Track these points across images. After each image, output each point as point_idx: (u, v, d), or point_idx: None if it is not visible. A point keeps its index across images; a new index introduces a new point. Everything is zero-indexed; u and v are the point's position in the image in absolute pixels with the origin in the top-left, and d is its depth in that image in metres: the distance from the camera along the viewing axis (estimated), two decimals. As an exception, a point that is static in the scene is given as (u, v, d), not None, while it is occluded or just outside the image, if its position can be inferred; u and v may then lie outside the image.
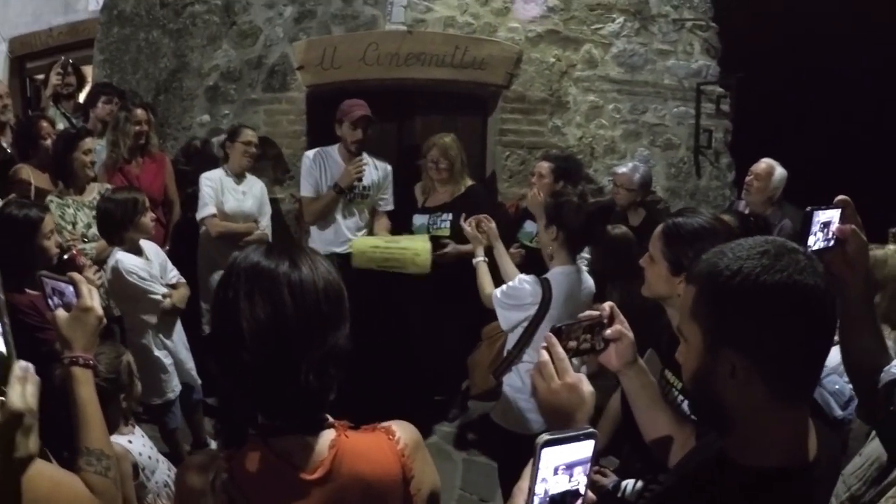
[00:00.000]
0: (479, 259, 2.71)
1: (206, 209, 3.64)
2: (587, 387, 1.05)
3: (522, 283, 2.44)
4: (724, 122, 4.53)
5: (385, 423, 1.08)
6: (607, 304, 1.26)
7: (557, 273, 2.45)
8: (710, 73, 4.48)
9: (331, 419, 1.04)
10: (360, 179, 3.52)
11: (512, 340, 2.54)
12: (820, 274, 0.90)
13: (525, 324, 2.44)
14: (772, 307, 0.88)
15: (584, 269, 2.59)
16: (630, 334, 1.26)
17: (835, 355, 1.24)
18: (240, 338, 0.95)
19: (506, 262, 2.73)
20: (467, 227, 2.79)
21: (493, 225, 2.75)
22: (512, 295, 2.47)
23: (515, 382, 2.54)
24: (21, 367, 0.88)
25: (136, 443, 2.16)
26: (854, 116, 5.62)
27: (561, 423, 1.02)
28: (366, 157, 3.54)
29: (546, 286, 2.40)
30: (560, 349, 1.08)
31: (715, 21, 4.47)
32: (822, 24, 5.47)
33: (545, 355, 1.07)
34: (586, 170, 4.26)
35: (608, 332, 1.24)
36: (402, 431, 1.07)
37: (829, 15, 5.41)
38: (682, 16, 4.41)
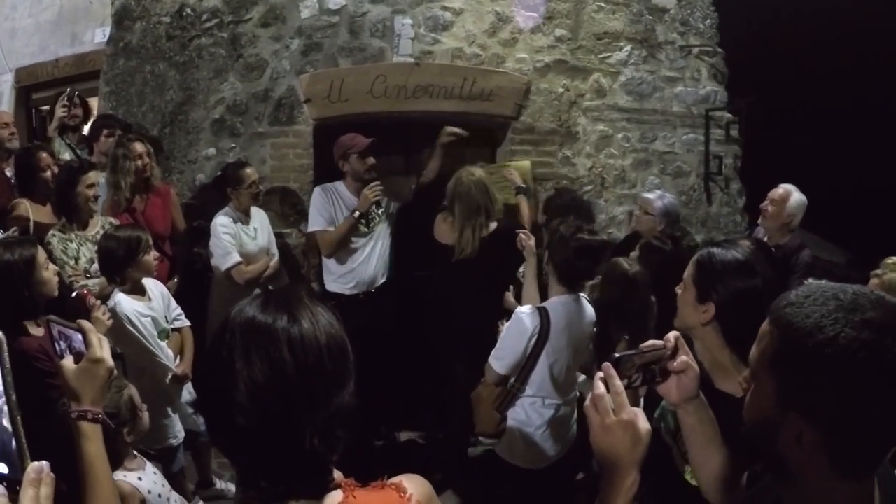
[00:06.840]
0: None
1: (230, 258, 3.49)
2: (644, 424, 0.98)
3: (519, 314, 2.44)
4: (734, 148, 4.50)
5: (395, 479, 1.01)
6: (672, 335, 1.20)
7: (555, 302, 2.46)
8: (718, 99, 4.45)
9: (337, 477, 0.98)
10: (378, 205, 3.55)
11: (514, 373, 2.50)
12: None
13: (526, 354, 2.42)
14: (856, 387, 0.80)
15: (584, 297, 2.56)
16: (696, 367, 1.20)
17: None
18: (235, 402, 0.88)
19: (529, 283, 2.75)
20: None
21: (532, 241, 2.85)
22: (507, 336, 2.46)
23: (520, 416, 2.51)
24: (34, 468, 0.84)
25: (146, 480, 2.11)
26: (865, 134, 5.60)
27: (612, 464, 0.96)
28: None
29: (544, 315, 2.40)
30: (618, 382, 1.00)
31: (721, 46, 4.45)
32: (826, 44, 5.46)
33: (601, 388, 1.00)
34: (596, 199, 4.23)
35: (675, 363, 1.18)
36: (414, 487, 1.00)
37: (832, 35, 5.40)
38: (689, 42, 4.39)
